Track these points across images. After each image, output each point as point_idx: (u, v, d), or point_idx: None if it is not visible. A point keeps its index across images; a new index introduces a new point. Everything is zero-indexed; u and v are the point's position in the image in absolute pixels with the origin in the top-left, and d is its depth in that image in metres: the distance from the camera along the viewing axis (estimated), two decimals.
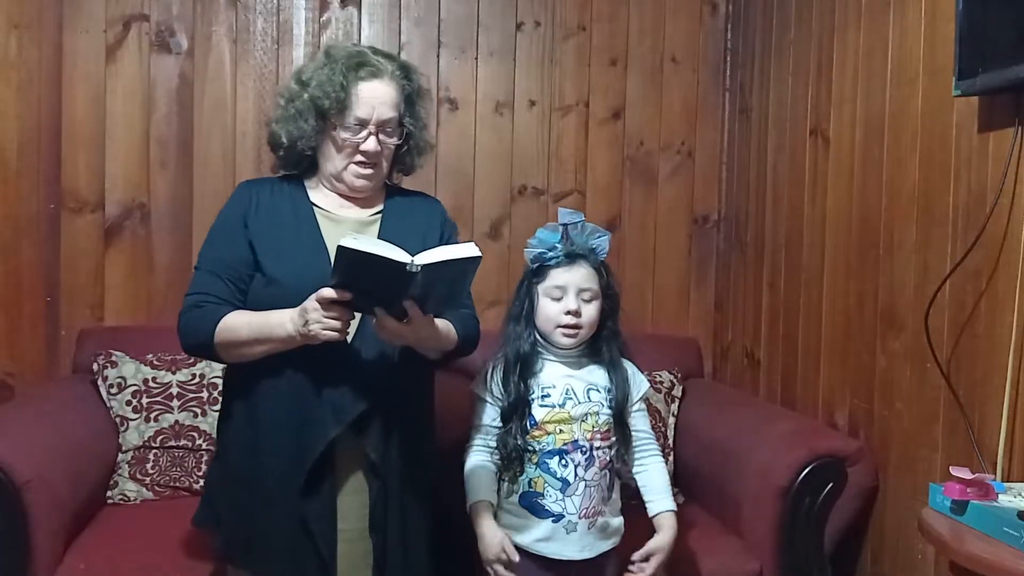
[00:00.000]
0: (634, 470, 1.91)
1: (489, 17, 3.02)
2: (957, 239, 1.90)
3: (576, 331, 1.84)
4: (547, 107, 3.04)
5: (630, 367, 1.93)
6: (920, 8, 2.03)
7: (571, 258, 1.84)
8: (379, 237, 1.79)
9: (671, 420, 2.67)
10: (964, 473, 1.61)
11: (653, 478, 1.91)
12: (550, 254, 1.84)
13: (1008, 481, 1.69)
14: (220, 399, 1.94)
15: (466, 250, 1.60)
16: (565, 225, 1.84)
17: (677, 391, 2.74)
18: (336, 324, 1.61)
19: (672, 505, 1.90)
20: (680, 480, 2.60)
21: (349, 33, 2.96)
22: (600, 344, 1.89)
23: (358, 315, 1.70)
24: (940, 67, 1.94)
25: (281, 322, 1.67)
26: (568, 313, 1.82)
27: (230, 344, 1.74)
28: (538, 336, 1.86)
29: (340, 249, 1.53)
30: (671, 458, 2.62)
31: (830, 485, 2.10)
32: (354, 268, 1.55)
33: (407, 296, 1.58)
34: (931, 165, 2.00)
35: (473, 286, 2.87)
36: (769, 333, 2.78)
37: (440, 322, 1.74)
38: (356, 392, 1.72)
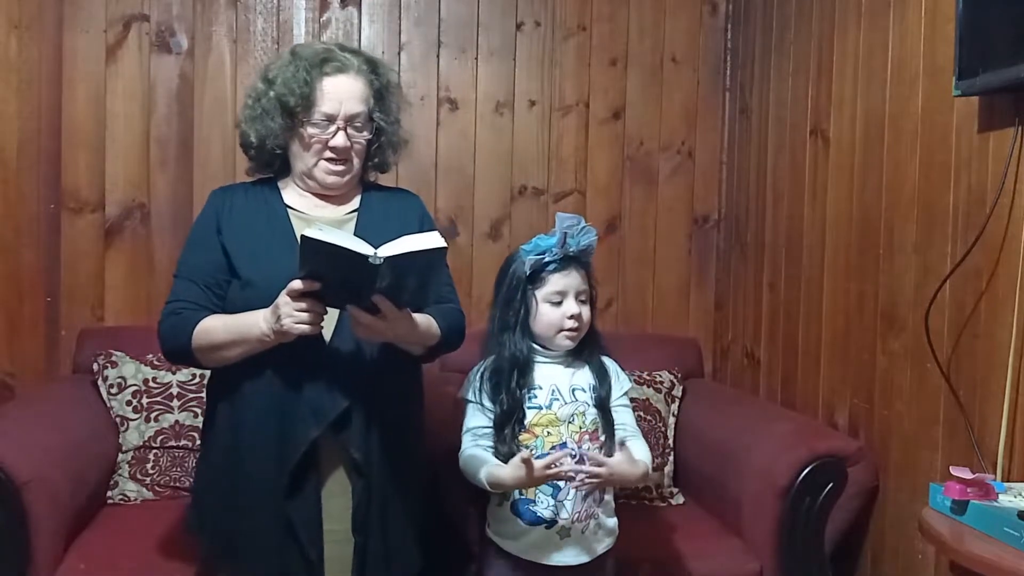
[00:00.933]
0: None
1: (489, 17, 3.02)
2: (957, 239, 1.90)
3: (576, 334, 1.84)
4: (547, 107, 3.04)
5: (612, 365, 1.92)
6: (920, 8, 2.03)
7: (567, 262, 1.84)
8: (354, 235, 1.76)
9: (671, 420, 2.67)
10: (964, 473, 1.61)
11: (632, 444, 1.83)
12: (547, 259, 1.83)
13: (1008, 481, 1.69)
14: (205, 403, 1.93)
15: (430, 240, 1.58)
16: (565, 231, 1.83)
17: (677, 391, 2.74)
18: (307, 317, 1.60)
19: (647, 459, 1.81)
20: (680, 480, 2.61)
21: (349, 33, 2.96)
22: (583, 343, 1.89)
23: (335, 312, 1.69)
24: (940, 67, 1.94)
25: (255, 322, 1.67)
26: (572, 317, 1.82)
27: (208, 348, 1.73)
28: (531, 341, 1.86)
29: (304, 239, 1.52)
30: (671, 458, 2.62)
31: (830, 485, 2.10)
32: (319, 259, 1.54)
33: (375, 289, 1.56)
34: (931, 165, 2.00)
35: (473, 286, 2.95)
36: (769, 333, 2.78)
37: (420, 316, 1.73)
38: (335, 391, 1.71)
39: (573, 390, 1.83)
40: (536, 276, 1.84)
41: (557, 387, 1.83)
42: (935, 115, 1.98)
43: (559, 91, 3.05)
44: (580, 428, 1.80)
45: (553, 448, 1.78)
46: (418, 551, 1.85)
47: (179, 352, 1.77)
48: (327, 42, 1.93)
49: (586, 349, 1.88)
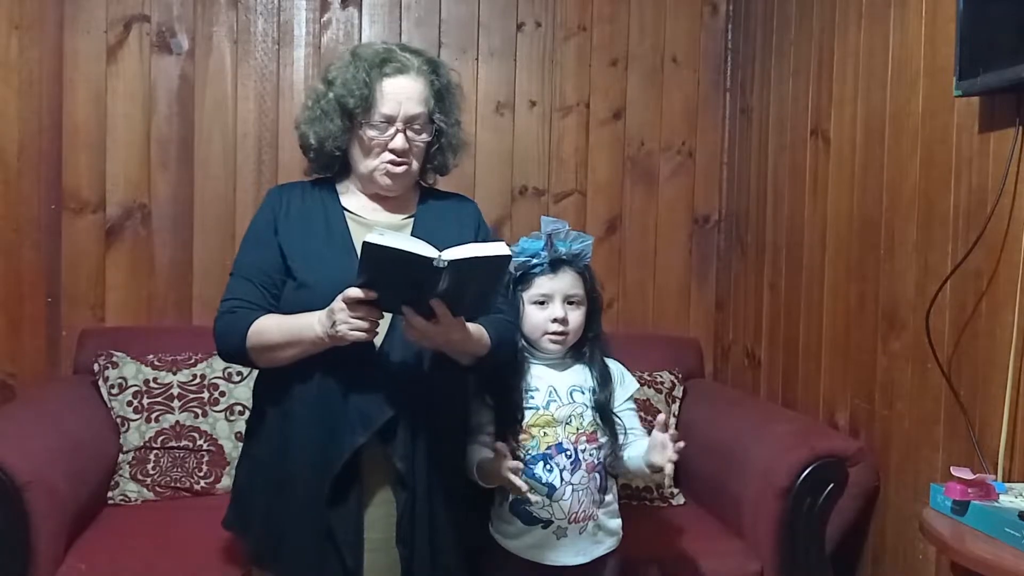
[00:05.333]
0: (624, 456, 1.87)
1: (490, 18, 3.02)
2: (958, 239, 1.90)
3: (563, 337, 1.84)
4: (548, 107, 3.04)
5: (618, 367, 1.92)
6: (921, 8, 2.03)
7: (555, 265, 1.84)
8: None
9: (672, 421, 2.67)
10: (965, 473, 1.61)
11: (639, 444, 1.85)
12: (534, 261, 1.83)
13: (1009, 481, 1.69)
14: (251, 402, 1.90)
15: (495, 248, 1.56)
16: (549, 234, 1.84)
17: (678, 391, 2.74)
18: (363, 324, 1.58)
19: None
20: (680, 480, 2.60)
21: (350, 34, 2.96)
22: (583, 346, 1.89)
23: (388, 317, 1.67)
24: (941, 67, 1.94)
25: (310, 324, 1.65)
26: (555, 321, 1.82)
27: (262, 348, 1.72)
28: (524, 342, 1.86)
29: (366, 245, 1.50)
30: None
31: (831, 485, 2.10)
32: (380, 265, 1.52)
33: (434, 294, 1.54)
34: (932, 165, 2.00)
35: None
36: (770, 333, 2.78)
37: (472, 326, 1.69)
38: (383, 399, 1.68)
39: (571, 391, 1.83)
40: (523, 278, 1.84)
41: (554, 388, 1.83)
42: (936, 115, 1.98)
43: (559, 91, 3.05)
44: (577, 430, 1.80)
45: (549, 448, 1.78)
46: (464, 561, 1.81)
47: (233, 351, 1.76)
48: (388, 42, 1.90)
49: (587, 351, 1.88)
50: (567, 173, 3.06)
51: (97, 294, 2.85)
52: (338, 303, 1.58)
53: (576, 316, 1.85)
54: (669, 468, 1.69)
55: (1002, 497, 1.59)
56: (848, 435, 2.29)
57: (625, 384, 1.90)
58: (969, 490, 1.60)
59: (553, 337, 1.83)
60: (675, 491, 2.57)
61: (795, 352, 2.60)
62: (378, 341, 1.69)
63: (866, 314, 2.25)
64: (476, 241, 1.80)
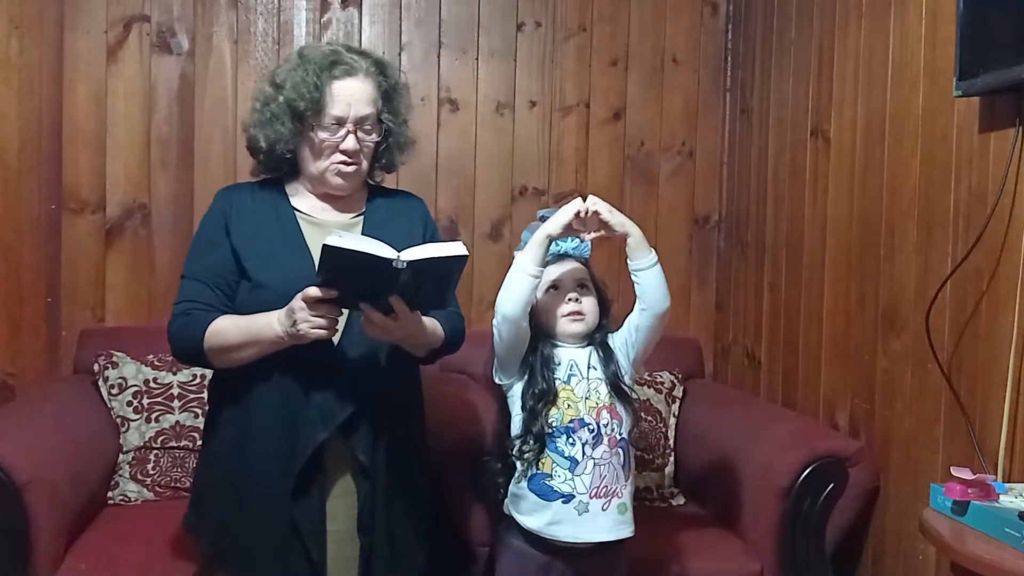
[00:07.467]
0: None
1: (490, 18, 3.02)
2: (958, 239, 1.90)
3: (581, 316, 1.84)
4: (548, 108, 3.04)
5: (613, 336, 1.90)
6: (921, 9, 2.03)
7: (559, 256, 1.85)
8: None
9: (672, 420, 2.67)
10: (965, 474, 1.61)
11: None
12: None
13: (1009, 481, 1.69)
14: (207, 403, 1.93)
15: (453, 248, 1.60)
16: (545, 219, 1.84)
17: (678, 391, 2.74)
18: (323, 322, 1.61)
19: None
20: (680, 480, 2.61)
21: (350, 34, 2.96)
22: (594, 336, 1.89)
23: (345, 314, 1.70)
24: (941, 67, 1.94)
25: (269, 323, 1.67)
26: (570, 300, 1.83)
27: (220, 349, 1.73)
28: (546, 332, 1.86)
29: (326, 248, 1.53)
30: (672, 458, 2.62)
31: (831, 486, 2.10)
32: (340, 266, 1.55)
33: (393, 292, 1.58)
34: (932, 165, 2.00)
35: (474, 287, 2.95)
36: (770, 333, 2.78)
37: (427, 320, 1.75)
38: (344, 394, 1.72)
39: (589, 367, 1.84)
40: None
41: (576, 362, 1.83)
42: (936, 115, 1.98)
43: (560, 92, 3.05)
44: (597, 404, 1.81)
45: (572, 422, 1.79)
46: (423, 552, 1.86)
47: (190, 353, 1.78)
48: (333, 43, 1.92)
49: (596, 336, 1.88)
50: (567, 173, 3.06)
51: (97, 294, 2.85)
52: (298, 302, 1.61)
53: (589, 301, 1.86)
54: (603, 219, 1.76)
55: (1002, 497, 1.59)
56: (848, 435, 2.29)
57: (621, 328, 1.89)
58: (969, 490, 1.60)
59: (572, 317, 1.84)
60: (675, 491, 2.57)
61: (795, 352, 2.60)
62: (336, 338, 1.73)
63: (866, 314, 2.25)
64: (424, 237, 1.86)
